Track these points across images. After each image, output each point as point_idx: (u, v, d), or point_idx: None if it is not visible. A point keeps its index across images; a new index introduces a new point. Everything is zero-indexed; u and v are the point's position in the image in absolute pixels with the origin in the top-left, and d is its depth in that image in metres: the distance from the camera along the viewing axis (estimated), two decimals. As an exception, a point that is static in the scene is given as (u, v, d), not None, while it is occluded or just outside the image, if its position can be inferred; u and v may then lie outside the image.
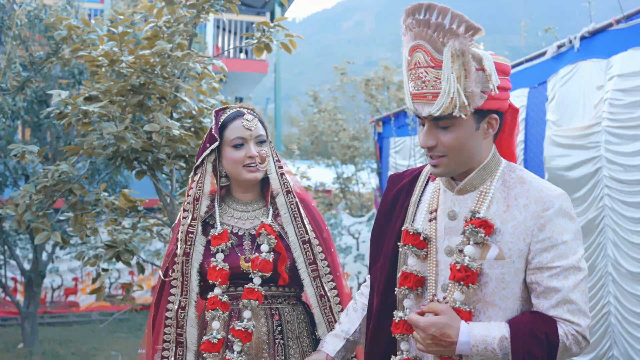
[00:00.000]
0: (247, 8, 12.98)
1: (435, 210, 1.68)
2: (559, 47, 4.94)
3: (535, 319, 1.52)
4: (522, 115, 5.35)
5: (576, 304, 1.50)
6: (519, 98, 5.40)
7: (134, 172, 3.32)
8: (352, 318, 1.96)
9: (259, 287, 2.03)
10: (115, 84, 3.20)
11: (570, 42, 4.79)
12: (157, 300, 2.20)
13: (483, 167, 1.61)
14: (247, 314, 2.01)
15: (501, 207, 1.57)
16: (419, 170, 1.85)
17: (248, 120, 2.12)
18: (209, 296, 2.05)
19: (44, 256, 7.66)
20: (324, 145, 9.81)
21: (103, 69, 3.33)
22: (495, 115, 1.57)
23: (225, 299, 2.03)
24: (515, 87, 5.51)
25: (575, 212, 5.19)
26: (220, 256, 2.06)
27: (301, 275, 2.10)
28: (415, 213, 1.74)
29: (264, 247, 2.05)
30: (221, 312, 2.02)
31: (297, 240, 2.12)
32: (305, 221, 2.16)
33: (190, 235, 2.11)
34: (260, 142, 2.14)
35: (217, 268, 2.04)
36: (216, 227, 2.12)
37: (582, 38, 4.67)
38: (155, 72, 3.20)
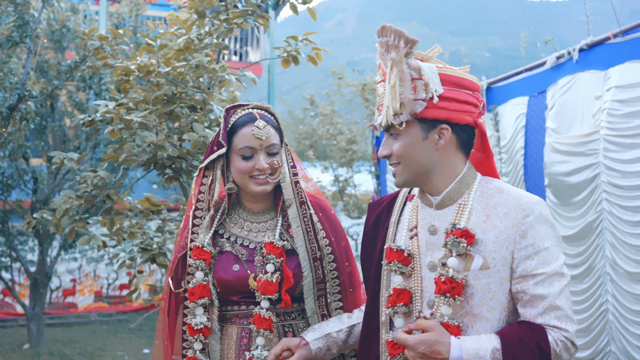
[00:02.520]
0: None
1: (416, 227, 1.68)
2: (558, 58, 5.19)
3: (524, 328, 1.51)
4: (522, 123, 5.60)
5: (563, 309, 1.51)
6: (519, 106, 5.66)
7: (158, 177, 3.48)
8: (342, 320, 1.96)
9: (260, 310, 1.90)
10: (148, 93, 3.35)
11: (569, 53, 5.04)
12: (169, 308, 2.07)
13: (459, 181, 1.63)
14: (260, 340, 1.89)
15: (481, 218, 1.58)
16: (397, 193, 1.86)
17: (259, 128, 1.93)
18: (187, 321, 1.94)
19: (49, 258, 7.74)
20: (322, 148, 10.01)
21: (131, 78, 3.48)
22: (445, 126, 1.58)
23: (200, 325, 1.91)
24: (516, 95, 5.76)
25: (575, 215, 5.42)
26: (199, 275, 1.94)
27: (305, 294, 1.98)
28: (395, 233, 1.75)
29: (269, 267, 1.91)
30: (204, 338, 1.92)
31: (307, 257, 1.97)
32: (320, 235, 2.01)
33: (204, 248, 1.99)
34: (273, 154, 1.96)
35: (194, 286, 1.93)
36: (227, 240, 2.01)
37: (581, 50, 4.92)
38: (183, 80, 3.36)
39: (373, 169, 8.05)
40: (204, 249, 1.95)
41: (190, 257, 1.98)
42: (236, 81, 3.40)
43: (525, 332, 1.49)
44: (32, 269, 7.71)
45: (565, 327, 1.50)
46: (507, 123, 5.83)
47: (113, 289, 10.22)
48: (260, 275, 1.92)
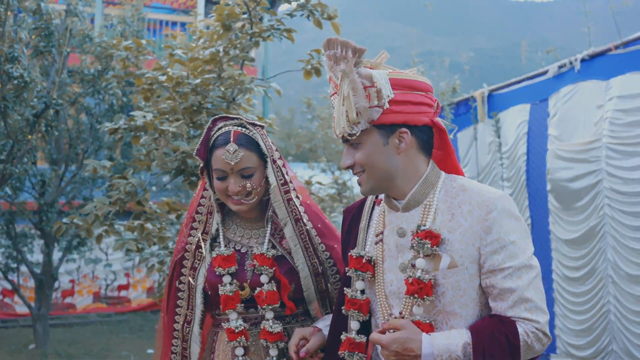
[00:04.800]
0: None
1: (382, 233, 1.69)
2: (560, 67, 5.38)
3: (495, 321, 1.53)
4: (524, 129, 5.78)
5: (532, 301, 1.52)
6: (521, 113, 5.84)
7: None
8: None
9: (266, 323, 1.93)
10: (176, 103, 3.46)
11: (571, 63, 5.23)
12: (169, 307, 2.12)
13: (423, 182, 1.64)
14: (273, 352, 1.93)
15: (446, 217, 1.60)
16: (366, 198, 1.86)
17: (229, 153, 1.89)
18: (225, 326, 1.95)
19: (55, 259, 7.77)
20: (322, 152, 10.11)
21: (154, 87, 3.58)
22: (404, 129, 1.59)
23: (240, 327, 1.94)
24: (518, 103, 5.95)
25: (577, 219, 5.62)
26: (227, 279, 1.95)
27: (309, 299, 2.02)
28: (365, 239, 1.76)
29: (263, 278, 1.93)
30: (245, 341, 1.93)
31: (309, 273, 1.99)
32: (319, 249, 2.02)
33: (199, 250, 2.03)
34: (247, 176, 1.92)
35: (228, 294, 1.93)
36: (220, 245, 2.01)
37: (582, 60, 5.12)
38: (206, 90, 3.47)
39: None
40: (227, 256, 1.96)
41: (187, 260, 2.03)
42: (263, 92, 3.52)
43: (495, 326, 1.51)
44: (35, 270, 7.75)
45: (536, 318, 1.52)
46: (509, 129, 6.01)
47: (111, 290, 10.27)
48: (246, 285, 1.94)
